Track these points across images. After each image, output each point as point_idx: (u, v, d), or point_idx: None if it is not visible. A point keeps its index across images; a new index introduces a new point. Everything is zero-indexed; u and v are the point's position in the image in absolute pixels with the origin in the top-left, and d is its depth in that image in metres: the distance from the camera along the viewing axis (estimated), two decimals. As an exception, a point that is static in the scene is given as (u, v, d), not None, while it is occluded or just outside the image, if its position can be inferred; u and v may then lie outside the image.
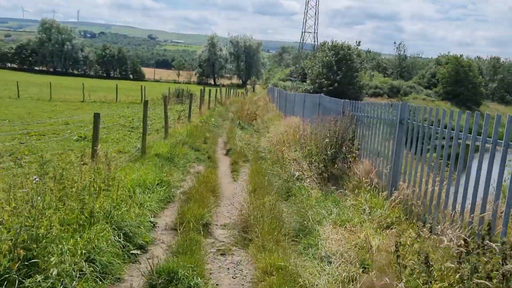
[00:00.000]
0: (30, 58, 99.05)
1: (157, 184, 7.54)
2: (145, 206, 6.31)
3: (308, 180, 8.55)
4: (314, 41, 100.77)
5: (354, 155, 8.88)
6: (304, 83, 68.49)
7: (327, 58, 61.32)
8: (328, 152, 8.60)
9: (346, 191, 7.53)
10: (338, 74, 60.01)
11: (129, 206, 5.69)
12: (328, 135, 8.93)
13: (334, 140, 8.78)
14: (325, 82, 60.38)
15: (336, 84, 59.50)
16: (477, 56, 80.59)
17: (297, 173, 8.83)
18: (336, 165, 8.57)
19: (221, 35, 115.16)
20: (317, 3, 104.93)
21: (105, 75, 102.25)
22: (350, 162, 8.74)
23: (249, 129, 17.60)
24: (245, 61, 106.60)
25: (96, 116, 7.56)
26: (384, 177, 7.46)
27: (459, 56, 77.48)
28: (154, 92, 40.36)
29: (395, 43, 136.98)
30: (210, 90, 27.47)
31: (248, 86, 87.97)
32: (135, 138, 13.83)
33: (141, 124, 10.39)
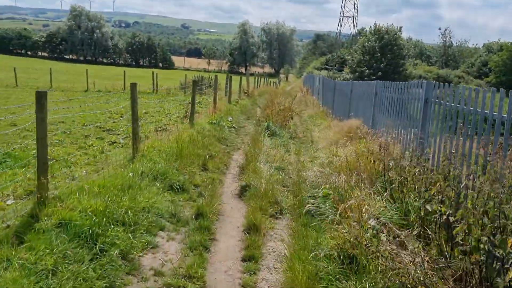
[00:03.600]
0: (60, 47, 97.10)
1: None
2: None
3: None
4: (354, 26, 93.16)
5: None
6: (342, 72, 63.42)
7: (369, 43, 55.19)
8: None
9: None
10: (382, 62, 53.97)
11: None
12: None
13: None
14: (367, 70, 54.55)
15: (379, 73, 53.42)
16: None
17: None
18: None
19: (254, 25, 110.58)
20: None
21: (134, 63, 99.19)
22: None
23: (282, 135, 11.74)
24: (278, 49, 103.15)
25: None
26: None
27: None
28: (174, 80, 35.21)
29: (440, 29, 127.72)
30: (235, 78, 22.03)
31: (281, 75, 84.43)
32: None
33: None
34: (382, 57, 54.52)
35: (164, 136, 8.96)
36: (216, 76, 16.38)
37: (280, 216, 5.82)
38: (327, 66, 74.72)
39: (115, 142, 9.92)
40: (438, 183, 4.44)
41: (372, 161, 6.56)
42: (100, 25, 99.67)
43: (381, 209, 5.15)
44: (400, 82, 8.26)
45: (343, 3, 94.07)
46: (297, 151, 10.14)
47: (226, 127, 12.09)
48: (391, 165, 5.88)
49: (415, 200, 4.94)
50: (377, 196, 5.70)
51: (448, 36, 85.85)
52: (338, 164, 6.76)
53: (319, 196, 5.79)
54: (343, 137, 10.36)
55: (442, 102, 5.95)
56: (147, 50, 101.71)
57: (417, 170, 5.11)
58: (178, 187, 6.07)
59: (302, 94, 27.72)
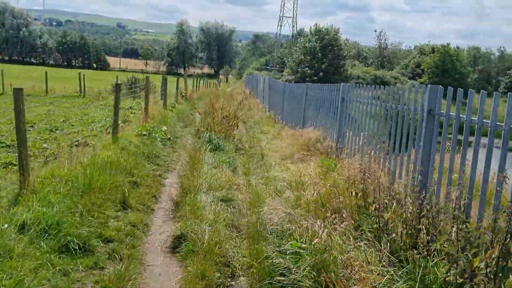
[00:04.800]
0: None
1: None
2: None
3: None
4: (293, 26, 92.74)
5: None
6: (282, 72, 62.73)
7: (310, 43, 54.82)
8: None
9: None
10: (323, 62, 53.78)
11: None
12: None
13: None
14: (308, 71, 54.22)
15: (321, 74, 53.31)
16: (457, 46, 78.50)
17: None
18: None
19: (192, 25, 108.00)
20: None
21: (66, 64, 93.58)
22: None
23: (227, 148, 9.85)
24: (217, 49, 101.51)
25: None
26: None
27: (446, 44, 76.45)
28: (107, 82, 32.29)
29: (375, 31, 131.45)
30: (172, 80, 19.80)
31: (221, 76, 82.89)
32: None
33: None
34: (323, 58, 54.42)
35: (75, 156, 6.84)
36: (147, 77, 14.22)
37: (232, 283, 3.96)
38: (267, 67, 74.06)
39: (11, 164, 7.61)
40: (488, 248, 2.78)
41: (353, 193, 4.88)
42: (27, 23, 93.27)
43: (384, 279, 3.44)
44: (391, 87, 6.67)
45: (283, 3, 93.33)
46: (247, 170, 8.31)
47: (159, 139, 10.02)
48: (386, 203, 4.21)
49: (444, 266, 3.27)
50: (369, 247, 4.01)
51: (383, 38, 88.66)
52: (307, 199, 4.98)
53: (288, 253, 3.99)
54: (300, 150, 8.68)
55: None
56: (79, 50, 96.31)
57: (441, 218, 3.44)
58: (78, 246, 4.02)
59: (245, 96, 25.94)
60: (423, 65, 71.23)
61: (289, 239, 4.24)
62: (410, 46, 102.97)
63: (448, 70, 67.63)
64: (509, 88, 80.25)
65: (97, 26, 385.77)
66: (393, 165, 5.40)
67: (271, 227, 4.58)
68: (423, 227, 3.66)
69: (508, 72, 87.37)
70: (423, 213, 3.72)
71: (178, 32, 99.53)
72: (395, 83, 68.01)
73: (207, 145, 9.40)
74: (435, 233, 3.56)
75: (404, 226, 3.80)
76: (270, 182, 7.08)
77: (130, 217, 5.05)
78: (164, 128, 11.36)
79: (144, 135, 9.72)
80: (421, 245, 3.65)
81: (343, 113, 7.66)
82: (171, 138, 10.82)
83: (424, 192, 4.10)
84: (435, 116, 4.46)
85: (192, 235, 4.46)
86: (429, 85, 4.71)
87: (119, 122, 13.33)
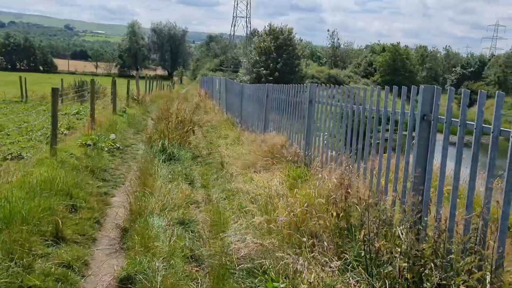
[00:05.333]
0: None
1: None
2: None
3: None
4: (247, 27, 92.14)
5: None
6: (237, 73, 62.05)
7: (265, 43, 54.42)
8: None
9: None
10: (278, 62, 53.51)
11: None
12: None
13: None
14: (264, 71, 53.84)
15: (276, 73, 53.05)
16: (405, 45, 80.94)
17: None
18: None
19: (144, 26, 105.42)
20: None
21: (10, 67, 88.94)
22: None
23: (183, 157, 8.92)
24: (170, 50, 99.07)
25: None
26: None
27: (396, 43, 79.12)
28: (54, 85, 30.27)
29: (328, 31, 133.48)
30: (123, 82, 18.54)
31: (175, 78, 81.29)
32: None
33: None
34: (278, 58, 54.17)
35: (4, 175, 5.78)
36: (92, 80, 13.07)
37: None
38: (222, 68, 73.22)
39: None
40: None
41: (334, 214, 4.15)
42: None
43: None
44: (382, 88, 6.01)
45: (236, 3, 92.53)
46: (205, 182, 7.45)
47: (106, 149, 8.96)
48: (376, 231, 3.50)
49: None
50: (358, 282, 3.30)
51: (336, 37, 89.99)
52: (280, 222, 4.20)
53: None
54: (263, 157, 7.91)
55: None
56: (24, 52, 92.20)
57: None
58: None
59: (200, 99, 24.94)
60: (375, 63, 72.73)
61: (263, 278, 3.44)
62: (361, 46, 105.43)
63: (398, 69, 69.46)
64: (455, 86, 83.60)
65: (44, 28, 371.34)
66: (378, 179, 4.69)
67: (240, 261, 3.76)
68: (431, 262, 2.96)
69: (454, 69, 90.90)
70: (429, 245, 3.02)
71: (129, 33, 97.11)
72: (349, 82, 69.05)
73: (161, 154, 8.46)
74: (447, 270, 2.86)
75: (406, 259, 3.09)
76: (233, 196, 6.27)
77: (64, 254, 4.06)
78: (113, 136, 10.29)
79: (88, 145, 8.65)
80: (429, 284, 2.94)
81: (311, 116, 6.93)
82: (121, 147, 9.78)
83: (422, 215, 3.41)
84: (431, 122, 3.79)
85: (141, 276, 3.57)
86: (422, 86, 3.99)
87: (63, 130, 12.18)
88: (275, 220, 4.23)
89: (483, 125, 3.34)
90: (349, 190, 4.04)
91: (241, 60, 64.87)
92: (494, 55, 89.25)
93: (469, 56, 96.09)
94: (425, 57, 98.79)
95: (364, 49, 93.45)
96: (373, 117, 5.17)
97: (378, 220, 3.57)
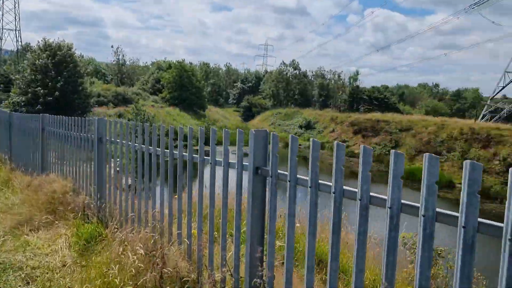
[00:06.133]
0: None
1: None
2: None
3: None
4: (17, 41, 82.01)
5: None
6: (9, 93, 54.56)
7: (41, 60, 49.25)
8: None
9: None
10: (58, 81, 48.92)
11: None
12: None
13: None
14: (42, 90, 48.58)
15: (57, 93, 48.49)
16: (190, 62, 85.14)
17: None
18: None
19: None
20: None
21: None
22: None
23: None
24: None
25: None
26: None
27: (182, 60, 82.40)
28: None
29: (112, 47, 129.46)
30: None
31: None
32: None
33: None
34: (58, 76, 49.55)
35: None
36: None
37: None
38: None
39: None
40: None
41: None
42: None
43: None
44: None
45: (1, 14, 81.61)
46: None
47: None
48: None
49: None
50: None
51: (121, 54, 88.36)
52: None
53: None
54: (42, 210, 6.40)
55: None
56: None
57: None
58: None
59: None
60: (163, 80, 73.85)
61: None
62: (147, 62, 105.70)
63: (185, 85, 71.31)
64: (237, 99, 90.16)
65: None
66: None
67: None
68: None
69: (235, 84, 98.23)
70: None
71: None
72: (138, 99, 67.74)
73: None
74: None
75: None
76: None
77: None
78: None
79: None
80: None
81: (101, 158, 5.77)
82: None
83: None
84: (264, 177, 3.19)
85: None
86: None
87: None
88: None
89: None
90: (165, 269, 3.15)
91: (12, 78, 57.27)
92: (267, 71, 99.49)
93: (247, 72, 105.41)
94: (209, 73, 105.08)
95: (151, 66, 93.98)
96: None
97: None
